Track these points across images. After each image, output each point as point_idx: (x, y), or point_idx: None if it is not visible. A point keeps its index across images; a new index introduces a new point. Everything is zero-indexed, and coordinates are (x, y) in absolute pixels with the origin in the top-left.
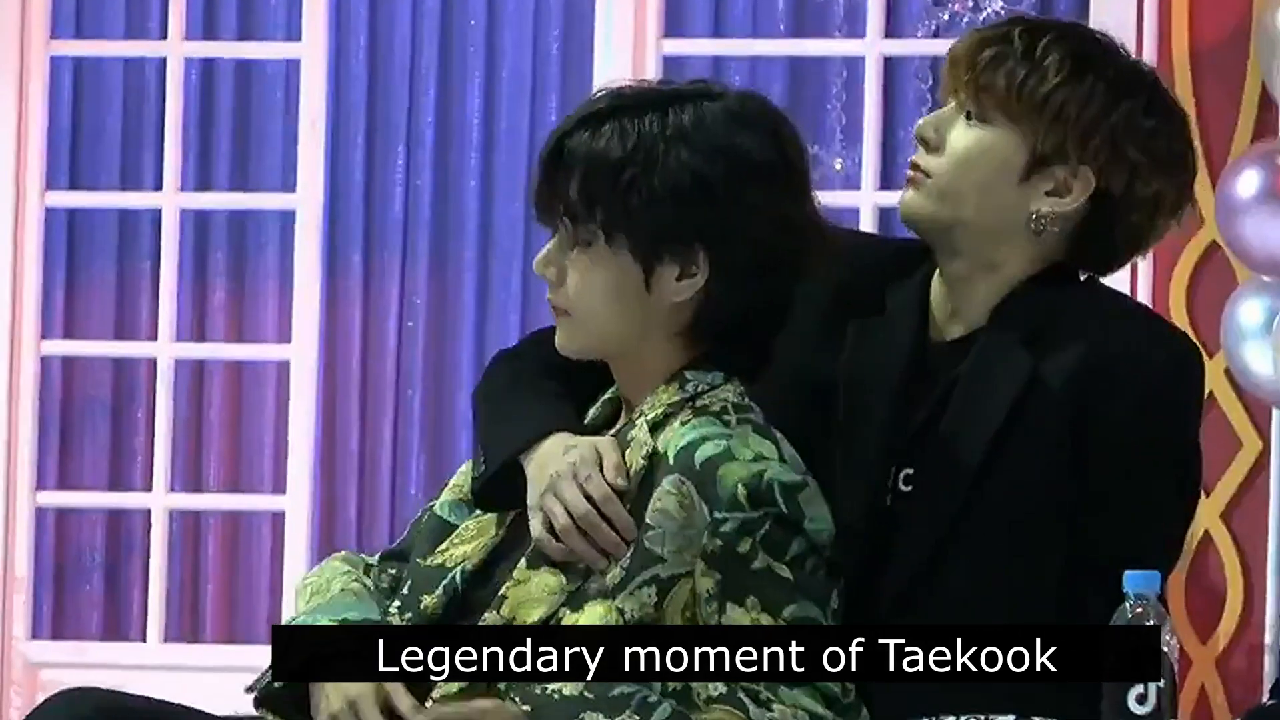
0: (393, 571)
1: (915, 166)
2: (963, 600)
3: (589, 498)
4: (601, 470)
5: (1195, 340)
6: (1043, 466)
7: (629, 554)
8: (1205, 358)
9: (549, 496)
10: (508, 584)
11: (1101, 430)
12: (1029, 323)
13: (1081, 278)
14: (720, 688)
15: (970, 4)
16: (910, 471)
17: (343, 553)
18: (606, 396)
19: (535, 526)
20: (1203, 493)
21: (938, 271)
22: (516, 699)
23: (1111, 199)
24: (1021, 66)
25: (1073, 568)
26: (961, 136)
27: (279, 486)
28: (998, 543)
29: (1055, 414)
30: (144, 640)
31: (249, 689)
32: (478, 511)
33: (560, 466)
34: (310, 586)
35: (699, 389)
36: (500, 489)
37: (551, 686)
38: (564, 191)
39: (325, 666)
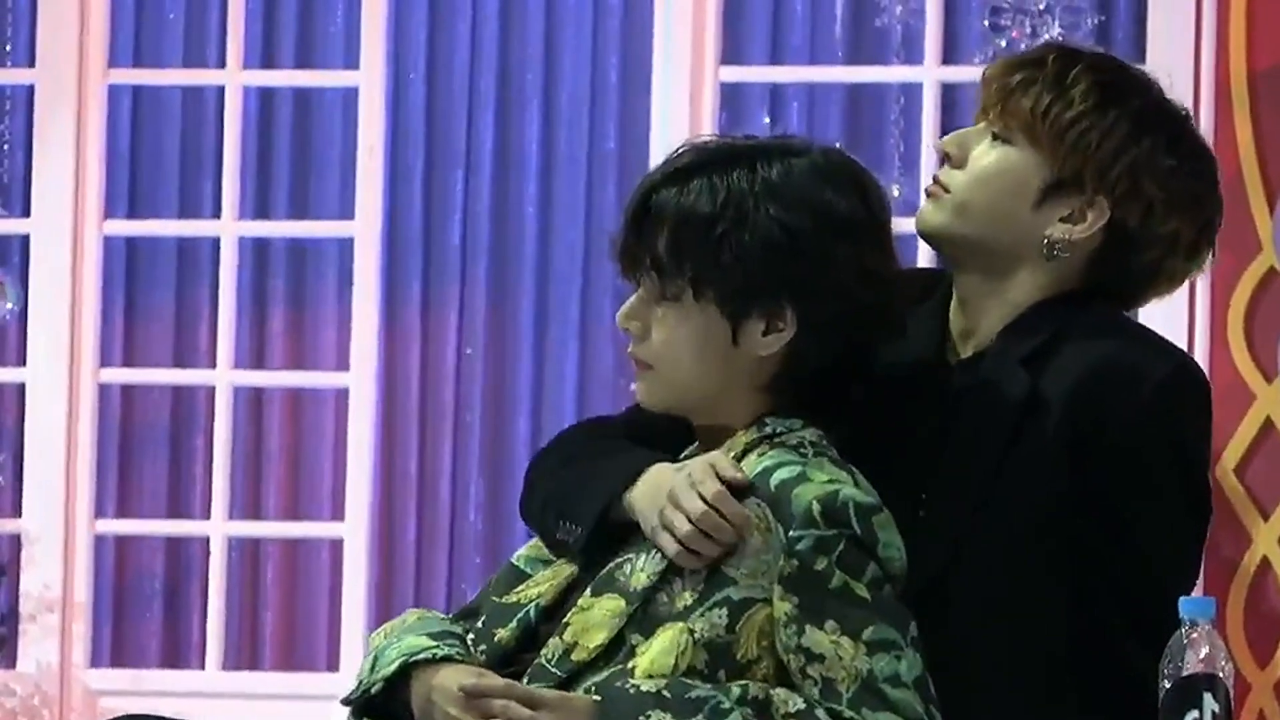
0: (465, 626)
1: (936, 180)
2: (971, 621)
3: (704, 499)
4: (717, 473)
5: (1197, 361)
6: (1045, 485)
7: (702, 577)
8: (1208, 378)
9: (669, 510)
10: (573, 611)
11: (1099, 445)
12: (1033, 341)
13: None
14: (799, 703)
15: (1028, 31)
16: (923, 496)
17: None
18: (682, 457)
19: (669, 545)
20: (1261, 518)
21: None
22: (594, 687)
23: (1126, 232)
24: (1049, 92)
25: (1084, 586)
26: (984, 155)
27: (338, 514)
28: (1003, 565)
29: (1054, 431)
30: (203, 668)
31: (345, 700)
32: (555, 564)
33: (676, 480)
34: (385, 628)
35: (777, 430)
36: (600, 539)
37: (632, 680)
38: (652, 246)
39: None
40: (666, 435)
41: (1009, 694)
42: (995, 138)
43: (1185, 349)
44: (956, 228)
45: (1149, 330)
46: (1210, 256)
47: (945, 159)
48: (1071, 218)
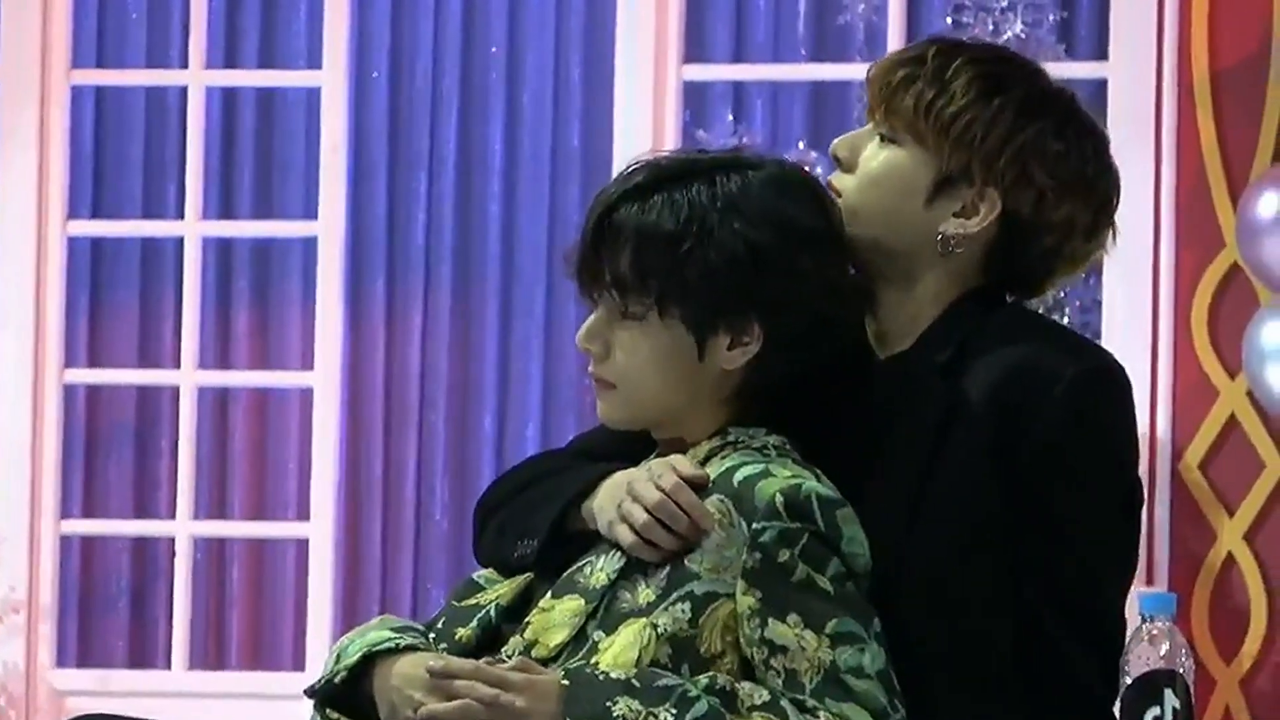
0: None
1: (830, 186)
2: (914, 629)
3: (662, 490)
4: (675, 470)
5: (1116, 358)
6: (973, 494)
7: (664, 573)
8: (1128, 373)
9: (626, 502)
10: (534, 612)
11: (1021, 449)
12: (947, 350)
13: (1009, 301)
14: (764, 695)
15: (991, 28)
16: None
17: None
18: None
19: (625, 536)
20: (1226, 514)
21: None
22: (562, 670)
23: (1020, 221)
24: (930, 88)
25: (1021, 588)
26: (872, 157)
27: (303, 513)
28: (939, 576)
29: (976, 439)
30: (169, 667)
31: (308, 691)
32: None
33: (635, 475)
34: (350, 634)
35: (739, 437)
36: (557, 548)
37: (602, 666)
38: (614, 264)
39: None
40: (618, 461)
41: (957, 697)
42: (883, 139)
43: (1149, 345)
44: (852, 231)
45: (1062, 329)
46: (1112, 237)
47: (835, 163)
48: (964, 212)
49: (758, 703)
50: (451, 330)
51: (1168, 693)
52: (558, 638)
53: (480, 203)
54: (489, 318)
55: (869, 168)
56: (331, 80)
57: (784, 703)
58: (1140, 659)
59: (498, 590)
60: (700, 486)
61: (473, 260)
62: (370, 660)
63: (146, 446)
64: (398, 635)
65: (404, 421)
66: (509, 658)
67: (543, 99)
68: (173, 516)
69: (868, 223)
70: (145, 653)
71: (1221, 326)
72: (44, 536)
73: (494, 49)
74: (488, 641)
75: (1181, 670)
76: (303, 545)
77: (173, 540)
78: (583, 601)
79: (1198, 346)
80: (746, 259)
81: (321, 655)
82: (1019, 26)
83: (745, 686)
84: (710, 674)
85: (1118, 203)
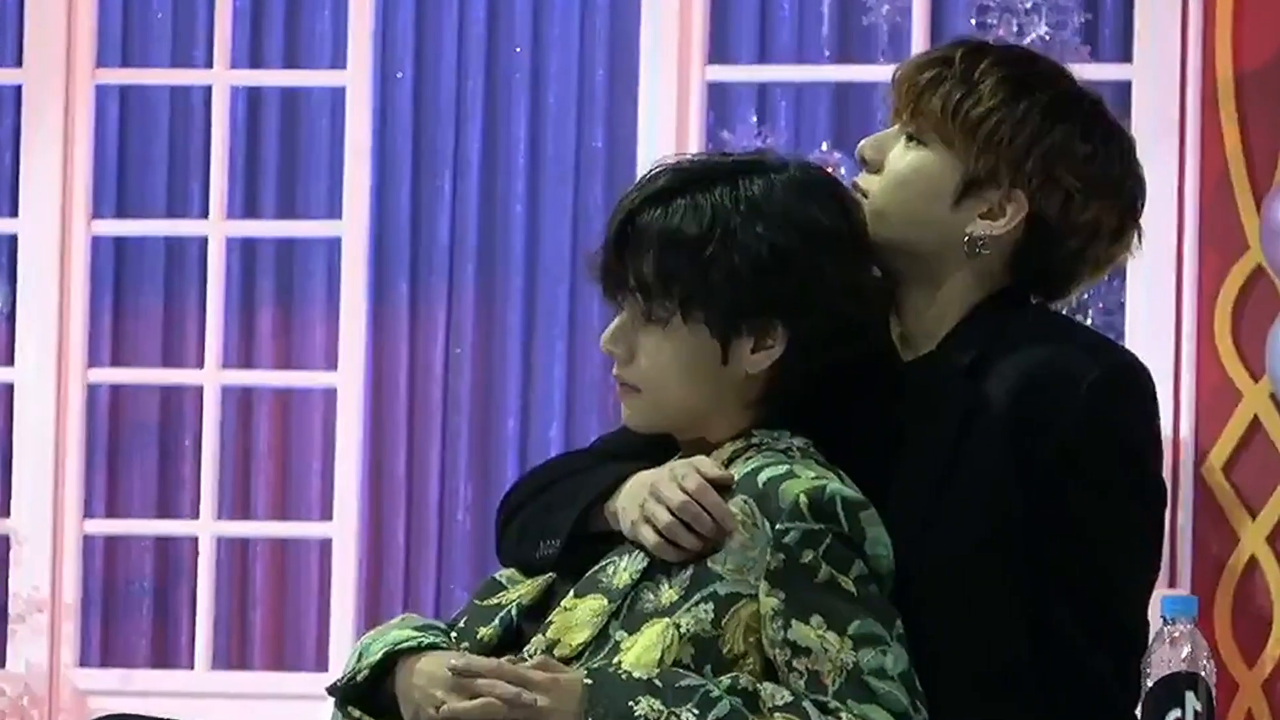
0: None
1: (855, 186)
2: (932, 632)
3: (685, 492)
4: (699, 471)
5: (1139, 359)
6: (992, 498)
7: (687, 574)
8: (1152, 374)
9: (649, 503)
10: (556, 611)
11: (1041, 452)
12: (971, 353)
13: (1033, 303)
14: (786, 696)
15: (1015, 29)
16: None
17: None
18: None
19: (648, 536)
20: (1249, 517)
21: None
22: (584, 670)
23: (1047, 223)
24: (958, 89)
25: (1040, 589)
26: (899, 158)
27: (326, 513)
28: (957, 579)
29: (997, 443)
30: (192, 667)
31: (330, 689)
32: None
33: (658, 475)
34: (372, 633)
35: (763, 439)
36: (579, 548)
37: (624, 666)
38: (637, 268)
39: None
40: (640, 462)
41: (973, 698)
42: (910, 139)
43: (1173, 347)
44: (878, 232)
45: (1085, 330)
46: (1137, 240)
47: (862, 163)
48: (991, 213)
49: (780, 704)
50: (475, 331)
51: (1189, 696)
52: (580, 637)
53: (504, 203)
54: (512, 318)
55: (896, 169)
56: (356, 80)
57: (806, 704)
58: (1162, 662)
59: (520, 590)
60: (724, 487)
61: (496, 261)
62: (393, 659)
63: (170, 446)
64: (420, 634)
65: (427, 422)
66: (531, 657)
67: (567, 100)
68: (196, 516)
69: (893, 225)
70: (168, 652)
71: (1245, 329)
72: (67, 536)
73: (518, 49)
74: (509, 641)
75: (1203, 673)
76: (326, 545)
77: (196, 540)
78: (605, 601)
79: (1221, 349)
80: (769, 262)
81: (344, 656)
82: (1043, 28)
83: (767, 687)
84: (733, 675)
85: (1143, 205)
